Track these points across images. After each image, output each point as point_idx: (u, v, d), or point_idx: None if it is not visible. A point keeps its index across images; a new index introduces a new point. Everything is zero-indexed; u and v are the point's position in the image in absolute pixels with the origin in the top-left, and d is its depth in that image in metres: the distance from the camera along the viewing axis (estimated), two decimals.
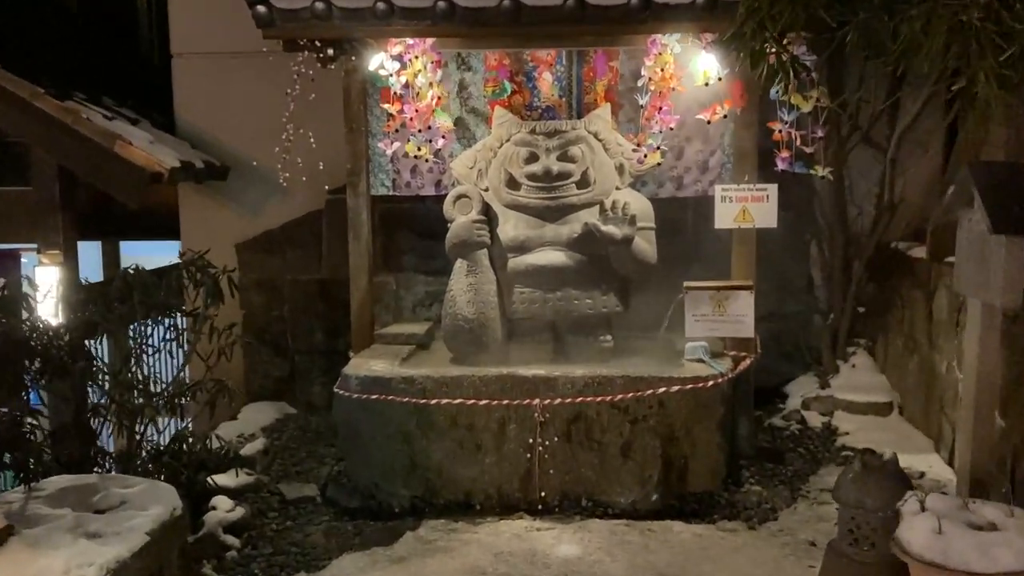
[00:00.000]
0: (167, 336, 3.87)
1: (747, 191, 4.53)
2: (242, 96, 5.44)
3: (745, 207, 4.55)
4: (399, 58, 4.11)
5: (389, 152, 4.23)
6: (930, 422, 4.42)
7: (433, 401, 3.95)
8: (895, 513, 2.75)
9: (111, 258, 6.81)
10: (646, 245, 4.30)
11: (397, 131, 4.18)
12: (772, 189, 4.52)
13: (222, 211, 5.64)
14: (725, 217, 4.53)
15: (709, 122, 3.99)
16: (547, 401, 3.91)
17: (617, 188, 4.43)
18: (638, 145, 4.11)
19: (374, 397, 4.00)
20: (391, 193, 4.95)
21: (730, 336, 4.33)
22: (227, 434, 4.99)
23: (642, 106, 4.05)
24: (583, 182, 4.33)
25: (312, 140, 4.30)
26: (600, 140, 4.43)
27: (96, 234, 6.58)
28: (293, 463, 4.62)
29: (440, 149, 4.31)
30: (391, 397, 3.98)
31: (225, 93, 5.56)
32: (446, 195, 4.58)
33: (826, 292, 5.33)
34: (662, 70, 3.96)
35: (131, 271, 3.71)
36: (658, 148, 4.01)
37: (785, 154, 4.05)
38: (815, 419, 4.84)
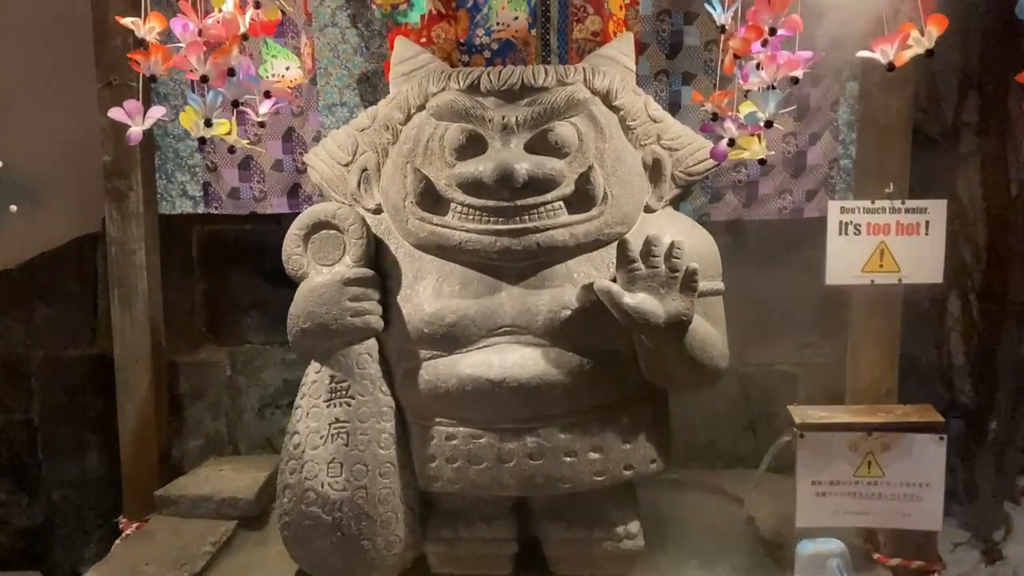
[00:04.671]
0: None
1: (889, 212, 2.32)
2: None
3: (884, 244, 2.34)
4: None
5: (136, 127, 1.79)
6: None
7: None
8: None
9: None
10: (711, 332, 2.02)
11: (155, 82, 1.78)
12: (937, 209, 2.32)
13: None
14: (845, 262, 2.33)
15: (891, 67, 1.71)
16: None
17: (648, 209, 2.14)
18: (715, 117, 1.80)
19: None
20: (203, 210, 2.61)
21: (892, 527, 2.10)
22: None
23: (722, 29, 1.76)
24: (582, 197, 2.01)
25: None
26: (615, 108, 2.12)
27: None
28: None
29: (263, 123, 1.91)
30: None
31: None
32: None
33: (975, 378, 3.13)
34: None
35: None
36: (768, 123, 1.71)
37: None
38: None
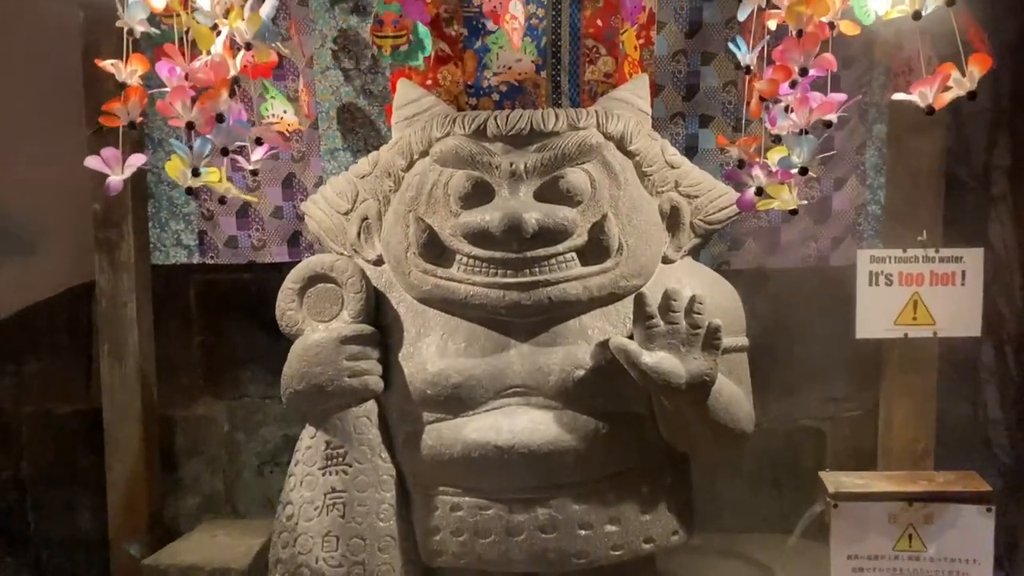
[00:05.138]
0: None
1: (922, 262, 2.20)
2: None
3: (917, 295, 2.22)
4: None
5: (115, 176, 1.67)
6: None
7: None
8: None
9: None
10: (736, 392, 1.88)
11: (135, 127, 1.67)
12: (974, 258, 2.20)
13: None
14: (876, 314, 2.23)
15: (931, 111, 1.57)
16: None
17: (666, 260, 2.01)
18: (741, 164, 1.68)
19: None
20: (198, 260, 2.51)
21: None
22: None
23: (746, 69, 1.65)
24: (596, 248, 1.89)
25: None
26: (630, 153, 2.00)
27: None
28: None
29: (256, 171, 1.80)
30: None
31: None
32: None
33: (1013, 434, 2.96)
34: None
35: None
36: (803, 171, 1.58)
37: None
38: None
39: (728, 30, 2.36)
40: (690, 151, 2.43)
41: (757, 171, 1.62)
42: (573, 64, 2.34)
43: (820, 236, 2.44)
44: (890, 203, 2.33)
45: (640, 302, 1.78)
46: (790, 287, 2.64)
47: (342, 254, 2.03)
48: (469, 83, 2.29)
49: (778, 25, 1.64)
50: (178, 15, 1.65)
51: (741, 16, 1.66)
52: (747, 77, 1.68)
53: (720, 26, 2.36)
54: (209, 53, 1.63)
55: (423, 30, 2.10)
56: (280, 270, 2.67)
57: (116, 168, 1.64)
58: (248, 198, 1.86)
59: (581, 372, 1.81)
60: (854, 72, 2.33)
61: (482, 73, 2.29)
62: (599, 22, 2.31)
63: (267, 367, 2.89)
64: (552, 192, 1.90)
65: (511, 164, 1.90)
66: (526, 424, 1.79)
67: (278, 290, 2.30)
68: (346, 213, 2.07)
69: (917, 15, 1.53)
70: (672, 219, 2.00)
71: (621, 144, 1.97)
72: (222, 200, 1.74)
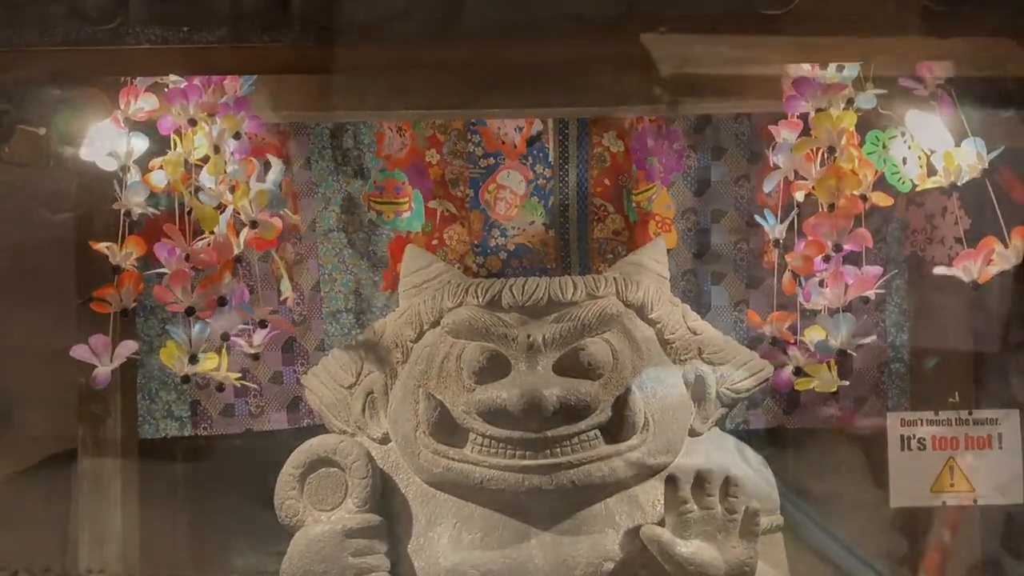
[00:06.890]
0: None
1: (955, 425, 2.10)
2: None
3: (952, 460, 2.11)
4: (151, 126, 1.57)
5: (103, 367, 1.55)
6: None
7: None
8: None
9: None
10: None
11: (127, 314, 1.54)
12: (1009, 420, 2.10)
13: None
14: (911, 481, 2.09)
15: (977, 286, 1.49)
16: None
17: (693, 433, 1.89)
18: (773, 341, 1.58)
19: None
20: (190, 432, 2.37)
21: None
22: None
23: (776, 243, 1.57)
24: (621, 424, 1.76)
25: None
26: (651, 321, 1.90)
27: None
28: None
29: (258, 355, 1.67)
30: None
31: None
32: (309, 428, 2.14)
33: None
34: (830, 154, 1.49)
35: None
36: (842, 354, 1.48)
37: None
38: None
39: (737, 187, 2.33)
40: (703, 308, 2.36)
41: (794, 351, 1.53)
42: (581, 222, 2.28)
43: (842, 396, 2.34)
44: (915, 362, 2.25)
45: (672, 485, 1.66)
46: (810, 448, 2.53)
47: (345, 431, 1.90)
48: (476, 243, 2.23)
49: (806, 196, 1.59)
50: (173, 190, 1.57)
51: (767, 188, 1.61)
52: (775, 249, 1.62)
53: (729, 184, 2.33)
54: (212, 233, 1.55)
55: (419, 201, 2.04)
56: (273, 435, 2.54)
57: (104, 357, 1.52)
58: (250, 385, 1.75)
59: (610, 565, 1.67)
60: (869, 226, 2.30)
61: (489, 232, 2.23)
62: (606, 181, 2.27)
63: (256, 545, 2.70)
64: (572, 364, 1.79)
65: (528, 336, 1.79)
66: None
67: (273, 460, 2.15)
68: (350, 387, 1.94)
69: (953, 186, 1.49)
70: (697, 389, 1.89)
71: (642, 312, 1.88)
72: (220, 387, 1.62)
